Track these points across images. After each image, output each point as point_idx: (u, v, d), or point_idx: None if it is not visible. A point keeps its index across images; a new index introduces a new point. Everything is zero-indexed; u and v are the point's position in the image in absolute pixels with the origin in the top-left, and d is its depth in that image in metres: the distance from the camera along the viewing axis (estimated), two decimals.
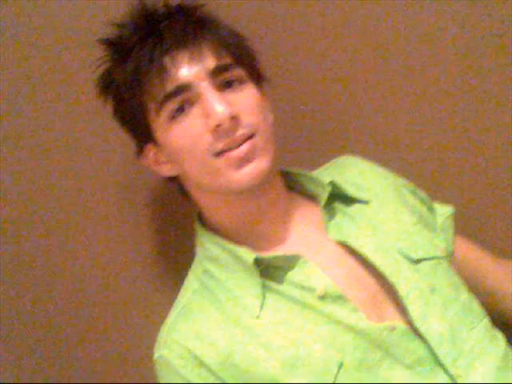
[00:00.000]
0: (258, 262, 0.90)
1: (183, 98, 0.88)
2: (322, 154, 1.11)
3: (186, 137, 0.89)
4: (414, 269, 0.92)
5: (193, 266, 0.99)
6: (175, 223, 1.19)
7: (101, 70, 0.95)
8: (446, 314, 0.89)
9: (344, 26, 1.14)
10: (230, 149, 0.88)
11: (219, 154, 0.88)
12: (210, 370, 0.88)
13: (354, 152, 1.08)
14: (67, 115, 1.13)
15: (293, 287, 0.89)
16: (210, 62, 0.89)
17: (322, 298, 0.88)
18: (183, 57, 0.89)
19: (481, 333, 0.90)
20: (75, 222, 1.18)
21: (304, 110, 1.17)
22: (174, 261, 1.19)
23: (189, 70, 0.88)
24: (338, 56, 1.15)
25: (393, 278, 0.90)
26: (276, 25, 1.13)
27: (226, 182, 0.89)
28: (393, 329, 0.87)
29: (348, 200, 0.99)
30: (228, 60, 0.90)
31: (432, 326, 0.88)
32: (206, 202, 0.96)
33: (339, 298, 0.88)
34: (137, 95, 0.91)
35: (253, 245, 0.93)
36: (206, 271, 0.95)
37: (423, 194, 1.06)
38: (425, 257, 0.94)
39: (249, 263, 0.90)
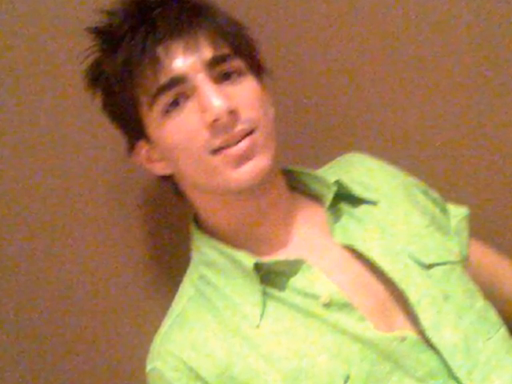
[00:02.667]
0: (258, 267, 0.90)
1: (178, 91, 0.88)
2: (327, 151, 1.11)
3: (181, 133, 0.89)
4: (425, 274, 0.91)
5: (188, 272, 0.99)
6: (169, 225, 1.19)
7: (89, 61, 0.95)
8: (460, 322, 0.89)
9: (350, 14, 1.14)
10: (228, 146, 0.88)
11: (216, 151, 0.88)
12: None
13: (360, 149, 1.08)
14: (53, 109, 1.13)
15: (295, 294, 0.89)
16: (207, 53, 0.89)
17: (327, 305, 0.88)
18: (178, 47, 0.89)
19: (498, 343, 0.90)
20: (62, 223, 1.18)
21: (307, 104, 1.17)
22: (168, 266, 1.19)
23: (184, 60, 0.88)
24: (343, 46, 1.16)
25: (403, 285, 0.90)
26: (277, 12, 1.13)
27: (224, 182, 0.89)
28: (403, 339, 0.87)
29: (355, 200, 0.98)
30: (226, 50, 0.90)
31: (445, 335, 0.88)
32: (202, 203, 0.96)
33: (345, 306, 0.88)
34: (128, 88, 0.91)
35: (252, 249, 0.93)
36: (202, 277, 0.95)
37: (435, 194, 1.06)
38: (437, 261, 0.93)
39: (248, 268, 0.90)
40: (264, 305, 0.89)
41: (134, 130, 0.95)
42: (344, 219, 0.97)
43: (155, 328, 0.96)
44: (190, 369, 0.88)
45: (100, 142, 1.14)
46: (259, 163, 0.88)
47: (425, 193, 1.04)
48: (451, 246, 0.98)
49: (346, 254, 0.93)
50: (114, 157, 1.13)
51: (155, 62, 0.88)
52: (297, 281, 0.90)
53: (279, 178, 0.97)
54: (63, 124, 1.14)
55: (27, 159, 1.15)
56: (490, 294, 0.98)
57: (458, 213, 1.06)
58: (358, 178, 1.01)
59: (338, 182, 0.96)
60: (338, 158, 1.08)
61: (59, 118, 1.14)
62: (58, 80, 1.12)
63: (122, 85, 0.91)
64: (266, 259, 0.91)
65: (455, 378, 0.86)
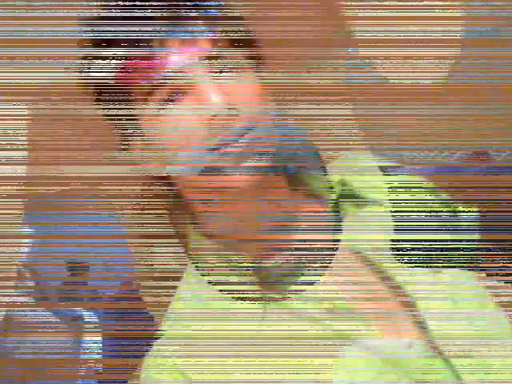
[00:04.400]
0: (257, 271, 0.89)
1: (174, 87, 0.87)
2: (330, 149, 1.11)
3: (177, 130, 0.88)
4: (433, 278, 0.91)
5: (185, 275, 0.98)
6: (165, 227, 1.18)
7: (80, 55, 0.94)
8: (471, 328, 0.89)
9: (354, 6, 1.13)
10: (227, 143, 0.87)
11: (215, 149, 0.87)
12: None
13: (365, 147, 1.07)
14: (45, 106, 1.13)
15: (297, 298, 0.89)
16: (204, 46, 0.88)
17: (330, 310, 0.87)
18: (174, 40, 0.88)
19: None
20: (55, 224, 1.17)
21: (309, 99, 1.16)
22: (163, 269, 1.18)
23: (180, 54, 0.87)
24: (346, 40, 1.15)
25: (410, 288, 0.89)
26: (279, 4, 1.13)
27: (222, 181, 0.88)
28: (410, 346, 0.86)
29: (359, 201, 0.98)
30: (225, 43, 0.89)
31: (454, 342, 0.87)
32: (199, 204, 0.95)
33: (349, 311, 0.87)
34: (121, 84, 0.90)
35: (252, 251, 0.92)
36: (199, 280, 0.94)
37: (444, 194, 1.05)
38: (446, 264, 0.93)
39: (248, 272, 0.89)
40: (264, 310, 0.89)
41: (127, 127, 0.94)
42: (348, 220, 0.96)
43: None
44: (187, 377, 0.88)
45: (92, 141, 1.13)
46: (259, 162, 0.88)
47: (432, 193, 1.03)
48: (460, 248, 0.98)
49: (350, 257, 0.93)
50: (107, 156, 1.13)
51: (150, 56, 0.87)
52: (298, 285, 0.89)
53: (280, 177, 0.96)
54: (55, 122, 1.13)
55: (20, 158, 1.14)
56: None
57: (467, 213, 1.06)
58: (363, 178, 1.01)
59: (341, 182, 0.96)
60: (342, 157, 1.07)
61: (51, 116, 1.13)
62: (50, 75, 1.11)
63: (115, 80, 0.90)
64: (267, 262, 0.91)
65: None
